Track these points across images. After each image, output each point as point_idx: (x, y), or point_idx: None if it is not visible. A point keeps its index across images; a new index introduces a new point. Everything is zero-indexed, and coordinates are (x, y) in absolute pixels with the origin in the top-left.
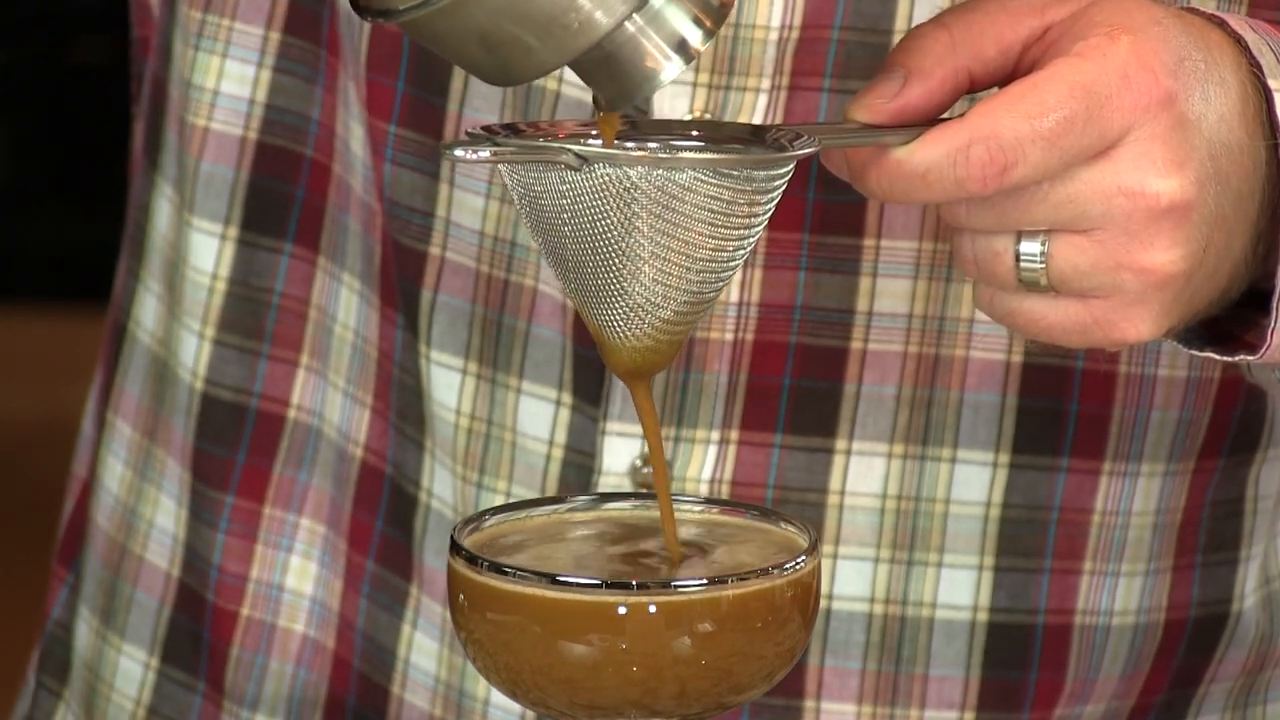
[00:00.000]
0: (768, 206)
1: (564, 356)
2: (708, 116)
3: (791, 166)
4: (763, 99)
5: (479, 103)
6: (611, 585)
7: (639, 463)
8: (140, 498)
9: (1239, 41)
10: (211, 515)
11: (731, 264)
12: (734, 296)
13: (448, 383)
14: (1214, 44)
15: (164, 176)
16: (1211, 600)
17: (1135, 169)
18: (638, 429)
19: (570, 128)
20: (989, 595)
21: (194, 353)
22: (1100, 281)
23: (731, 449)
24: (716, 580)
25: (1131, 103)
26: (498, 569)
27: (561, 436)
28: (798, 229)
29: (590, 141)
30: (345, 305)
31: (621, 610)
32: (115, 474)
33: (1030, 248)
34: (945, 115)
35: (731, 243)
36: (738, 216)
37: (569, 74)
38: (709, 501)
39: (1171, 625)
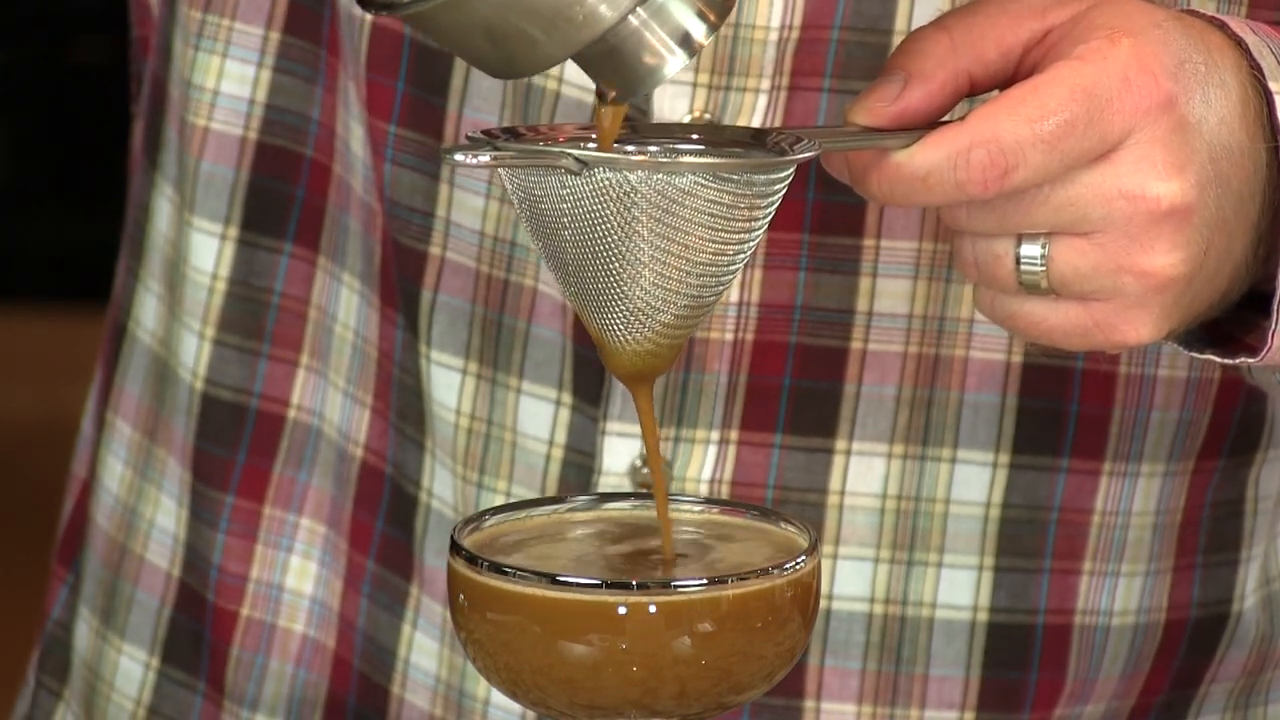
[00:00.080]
0: (768, 210)
1: (564, 356)
2: (708, 117)
3: (792, 170)
4: (762, 99)
5: (479, 102)
6: (611, 585)
7: (639, 463)
8: (140, 497)
9: (1239, 44)
10: (212, 515)
11: (732, 268)
12: (734, 297)
13: (448, 383)
14: (1214, 46)
15: (164, 176)
16: (1212, 601)
17: (1136, 172)
18: (638, 429)
19: (570, 131)
20: (989, 595)
21: (194, 353)
22: (1101, 284)
23: (731, 449)
24: (716, 580)
25: (1132, 106)
26: (498, 569)
27: (561, 436)
28: (798, 229)
29: (590, 145)
30: (345, 305)
31: (621, 610)
32: (115, 474)
33: (1031, 251)
34: (946, 118)
35: (731, 246)
36: (738, 220)
37: (569, 74)
38: (709, 501)
39: (1172, 626)
